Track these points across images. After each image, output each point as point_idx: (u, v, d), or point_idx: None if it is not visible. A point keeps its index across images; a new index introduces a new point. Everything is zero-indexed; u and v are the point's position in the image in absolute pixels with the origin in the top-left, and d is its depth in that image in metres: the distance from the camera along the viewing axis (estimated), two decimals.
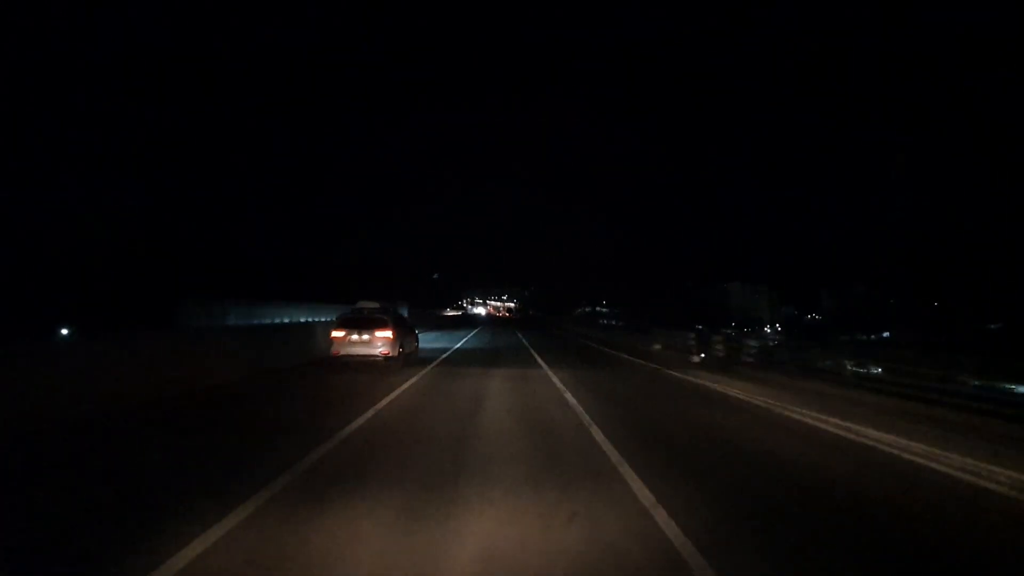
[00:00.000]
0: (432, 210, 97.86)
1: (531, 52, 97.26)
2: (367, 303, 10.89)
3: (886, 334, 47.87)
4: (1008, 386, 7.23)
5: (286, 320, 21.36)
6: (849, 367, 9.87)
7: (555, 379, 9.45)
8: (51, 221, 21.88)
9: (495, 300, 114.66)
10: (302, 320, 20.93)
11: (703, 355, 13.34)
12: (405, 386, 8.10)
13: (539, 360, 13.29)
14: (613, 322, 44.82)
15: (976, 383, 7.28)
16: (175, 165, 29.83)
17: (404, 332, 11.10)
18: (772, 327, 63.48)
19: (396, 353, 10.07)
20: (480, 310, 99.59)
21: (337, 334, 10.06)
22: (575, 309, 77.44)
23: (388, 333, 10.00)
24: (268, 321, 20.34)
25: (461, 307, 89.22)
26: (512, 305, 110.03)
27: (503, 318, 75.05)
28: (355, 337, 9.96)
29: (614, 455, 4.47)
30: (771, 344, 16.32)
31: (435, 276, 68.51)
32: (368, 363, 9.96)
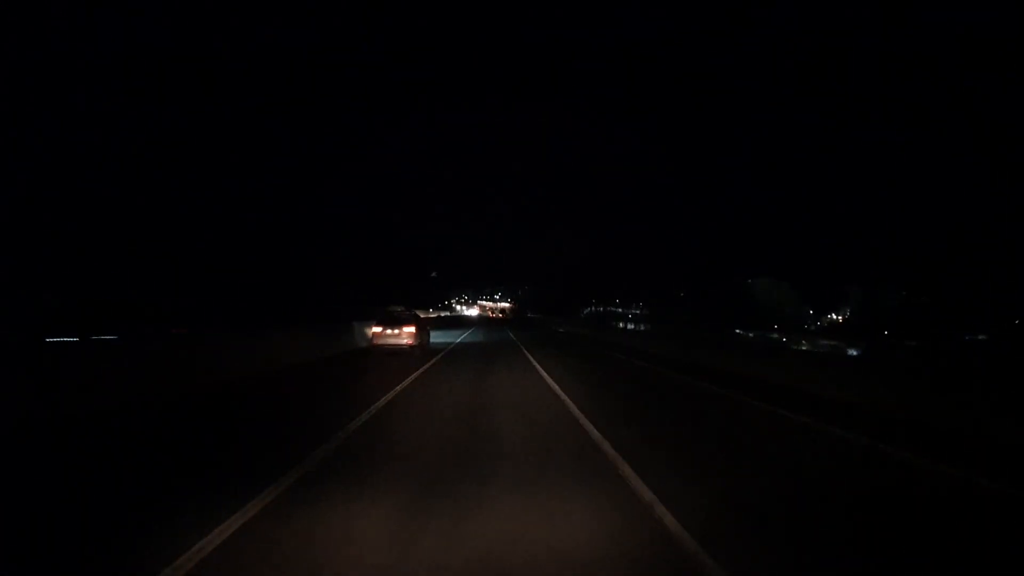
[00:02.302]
0: (431, 210, 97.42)
1: (531, 52, 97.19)
2: (395, 307, 14.84)
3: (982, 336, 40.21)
4: None
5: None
6: None
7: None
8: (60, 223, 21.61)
9: (486, 299, 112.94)
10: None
11: None
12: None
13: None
14: (641, 326, 40.68)
15: None
16: (175, 165, 29.52)
17: (422, 328, 14.79)
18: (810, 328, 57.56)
19: (417, 343, 13.67)
20: (473, 311, 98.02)
21: (376, 329, 13.67)
22: (583, 309, 74.69)
23: (412, 329, 13.40)
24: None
25: (448, 307, 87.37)
26: (506, 305, 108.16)
27: (495, 319, 73.48)
28: (388, 331, 13.49)
29: None
30: None
31: (433, 275, 68.00)
32: (397, 350, 13.40)
